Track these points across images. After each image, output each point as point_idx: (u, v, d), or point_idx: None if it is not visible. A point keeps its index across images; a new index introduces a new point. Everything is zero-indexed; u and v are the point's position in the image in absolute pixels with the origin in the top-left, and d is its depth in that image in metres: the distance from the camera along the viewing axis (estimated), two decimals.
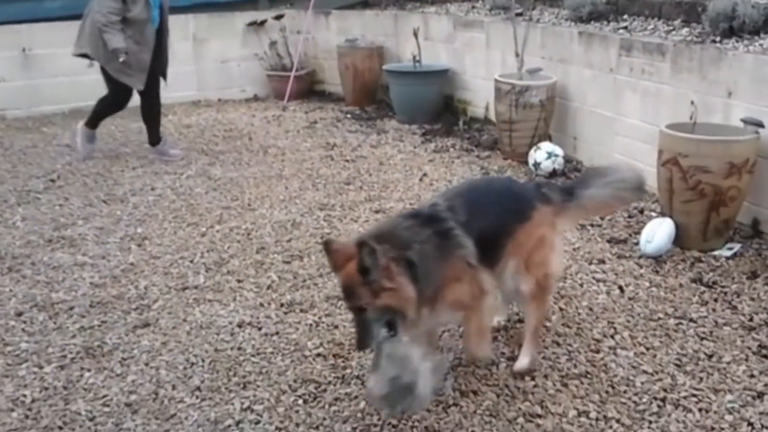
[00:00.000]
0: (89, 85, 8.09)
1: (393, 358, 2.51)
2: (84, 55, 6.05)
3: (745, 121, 4.26)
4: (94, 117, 6.42)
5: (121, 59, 5.79)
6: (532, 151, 5.79)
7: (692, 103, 4.49)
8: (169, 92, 8.41)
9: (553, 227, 3.11)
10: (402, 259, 2.54)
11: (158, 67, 6.18)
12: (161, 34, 6.14)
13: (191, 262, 4.33)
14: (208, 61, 8.80)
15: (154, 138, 6.47)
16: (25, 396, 3.05)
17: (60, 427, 2.85)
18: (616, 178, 3.28)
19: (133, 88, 6.08)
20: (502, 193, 3.13)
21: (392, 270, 2.50)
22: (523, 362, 3.10)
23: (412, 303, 2.57)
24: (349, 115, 7.99)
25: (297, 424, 2.81)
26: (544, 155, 5.69)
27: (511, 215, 2.99)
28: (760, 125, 4.18)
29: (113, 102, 6.30)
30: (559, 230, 3.19)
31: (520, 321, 3.43)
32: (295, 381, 3.10)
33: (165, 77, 6.38)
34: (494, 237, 2.90)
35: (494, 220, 2.93)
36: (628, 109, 5.39)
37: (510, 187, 3.25)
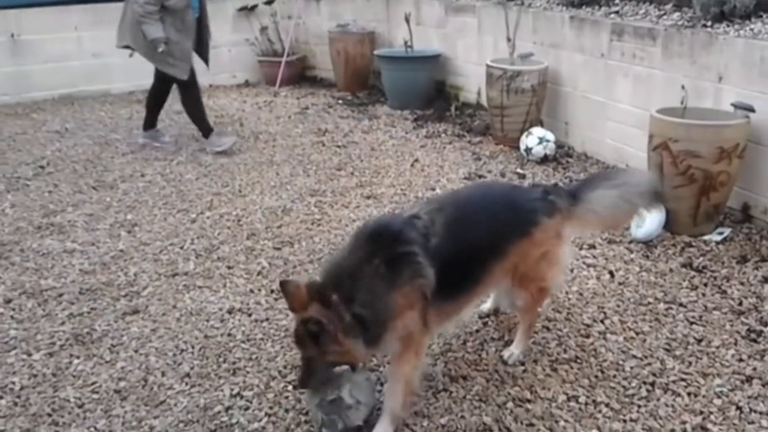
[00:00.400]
0: (79, 71, 8.12)
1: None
2: (126, 47, 5.92)
3: (735, 105, 4.25)
4: (147, 118, 6.29)
5: (160, 49, 5.63)
6: (523, 137, 5.77)
7: (683, 87, 4.48)
8: None
9: (558, 238, 2.88)
10: (351, 317, 2.37)
11: (200, 54, 6.06)
12: (202, 20, 6.01)
13: (181, 248, 4.31)
14: None
15: (206, 128, 6.21)
16: (13, 383, 3.04)
17: (49, 414, 2.85)
18: (625, 180, 3.05)
19: (177, 77, 5.90)
20: (499, 205, 2.84)
21: (339, 338, 2.37)
22: (514, 352, 3.08)
23: (360, 358, 2.50)
24: (340, 101, 7.95)
25: (286, 410, 2.81)
26: (536, 140, 5.67)
27: (506, 231, 2.74)
28: (751, 110, 4.17)
29: (160, 92, 6.15)
30: (566, 239, 2.96)
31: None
32: (284, 367, 3.10)
33: (207, 64, 6.29)
34: (477, 260, 2.66)
35: (480, 241, 2.66)
36: (620, 94, 5.38)
37: (511, 198, 2.91)
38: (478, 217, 2.73)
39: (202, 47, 6.09)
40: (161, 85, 6.10)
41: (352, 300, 2.38)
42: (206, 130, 6.21)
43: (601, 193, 2.93)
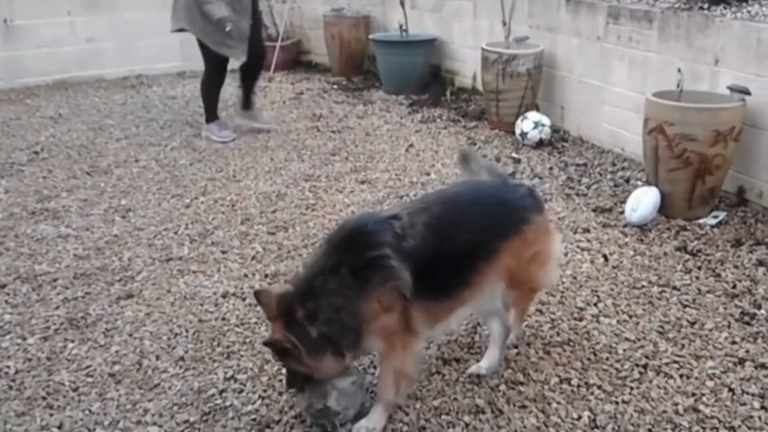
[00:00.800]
0: (72, 57, 8.07)
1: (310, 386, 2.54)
2: (181, 30, 5.84)
3: (731, 88, 4.24)
4: (207, 109, 6.12)
5: (227, 28, 5.52)
6: (518, 121, 5.76)
7: (679, 71, 4.47)
8: (152, 63, 8.43)
9: (548, 234, 2.82)
10: (317, 334, 2.34)
11: (254, 35, 5.93)
12: (255, 0, 5.91)
13: (175, 233, 4.30)
14: None
15: (212, 114, 6.13)
16: (8, 367, 3.04)
17: (44, 398, 2.85)
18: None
19: (236, 59, 5.80)
20: (489, 203, 2.72)
21: (304, 359, 2.35)
22: (511, 338, 2.99)
23: (334, 370, 2.47)
24: (335, 86, 7.91)
25: (280, 393, 2.81)
26: (531, 125, 5.66)
27: (496, 230, 2.64)
28: (747, 93, 4.16)
29: (212, 81, 6.03)
30: (554, 233, 2.92)
31: None
32: None
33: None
34: (465, 260, 2.55)
35: (468, 240, 2.55)
36: (616, 77, 5.36)
37: (500, 195, 2.78)
38: (465, 215, 2.61)
39: (256, 28, 5.96)
40: (216, 69, 5.93)
41: (316, 318, 2.33)
42: (212, 116, 6.14)
43: None
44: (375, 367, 2.88)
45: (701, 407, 2.70)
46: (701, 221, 4.25)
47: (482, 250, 2.59)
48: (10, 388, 2.91)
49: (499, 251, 2.62)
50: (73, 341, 3.22)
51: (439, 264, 2.48)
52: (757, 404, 2.71)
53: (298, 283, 2.45)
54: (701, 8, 4.74)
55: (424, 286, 2.42)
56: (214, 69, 5.93)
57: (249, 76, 6.15)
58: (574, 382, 2.85)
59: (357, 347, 2.46)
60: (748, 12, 4.48)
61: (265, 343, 2.45)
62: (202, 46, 5.82)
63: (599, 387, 2.81)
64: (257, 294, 2.49)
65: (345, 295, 2.35)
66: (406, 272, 2.39)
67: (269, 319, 2.48)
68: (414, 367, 2.61)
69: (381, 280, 2.38)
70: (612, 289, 3.54)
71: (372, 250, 2.39)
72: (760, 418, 2.64)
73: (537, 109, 6.01)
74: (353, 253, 2.40)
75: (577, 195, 4.73)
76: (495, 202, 2.72)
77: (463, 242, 2.53)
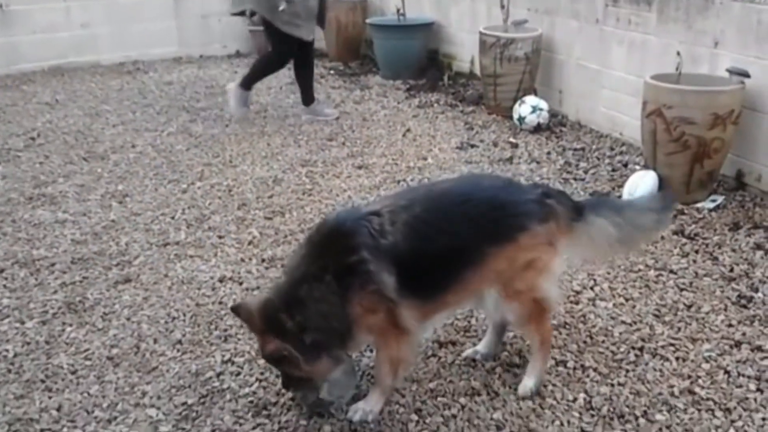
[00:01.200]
0: (68, 42, 8.03)
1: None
2: (241, 13, 5.75)
3: (730, 71, 4.22)
4: (251, 77, 6.00)
5: (281, 7, 5.44)
6: (516, 105, 5.74)
7: (678, 53, 4.45)
8: (149, 48, 8.39)
9: (550, 247, 2.54)
10: (310, 342, 2.34)
11: (318, 14, 5.87)
12: None
13: (172, 218, 4.30)
14: (189, 16, 8.62)
15: (309, 97, 6.09)
16: (7, 350, 3.04)
17: (42, 380, 2.86)
18: (632, 220, 2.68)
19: (303, 39, 5.71)
20: (480, 205, 2.51)
21: (302, 365, 2.37)
22: (527, 384, 2.69)
23: (331, 369, 2.46)
24: (332, 71, 7.88)
25: (277, 375, 2.81)
26: (529, 109, 5.64)
27: (483, 235, 2.46)
28: (746, 75, 4.15)
29: (277, 60, 5.95)
30: (558, 251, 2.59)
31: None
32: None
33: (323, 25, 6.17)
34: (445, 264, 2.43)
35: (448, 244, 2.42)
36: (615, 61, 5.34)
37: (498, 197, 2.56)
38: (449, 217, 2.46)
39: (321, 7, 5.89)
40: (285, 50, 5.83)
41: (306, 328, 2.33)
42: (310, 98, 6.07)
43: (604, 224, 2.62)
44: (371, 351, 2.88)
45: (697, 389, 2.71)
46: (699, 205, 4.25)
47: (466, 254, 2.45)
48: (9, 371, 2.92)
49: (486, 257, 2.46)
50: (71, 325, 3.23)
51: (420, 265, 2.40)
52: (753, 386, 2.72)
53: (281, 292, 2.43)
54: None
55: (408, 285, 2.38)
56: (279, 52, 5.86)
57: (303, 64, 6.04)
58: (570, 364, 2.85)
59: (350, 346, 2.48)
60: None
61: (265, 357, 2.46)
62: (269, 27, 5.74)
63: (595, 369, 2.82)
64: (235, 309, 2.48)
65: (330, 301, 2.34)
66: (386, 274, 2.35)
67: (255, 333, 2.49)
68: (410, 354, 2.59)
69: (361, 284, 2.35)
70: (608, 273, 3.54)
71: (350, 255, 2.35)
72: (755, 399, 2.65)
73: (535, 93, 5.99)
74: (333, 256, 2.37)
75: (575, 179, 4.72)
76: (488, 205, 2.51)
77: (443, 245, 2.42)
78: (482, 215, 2.48)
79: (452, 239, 2.43)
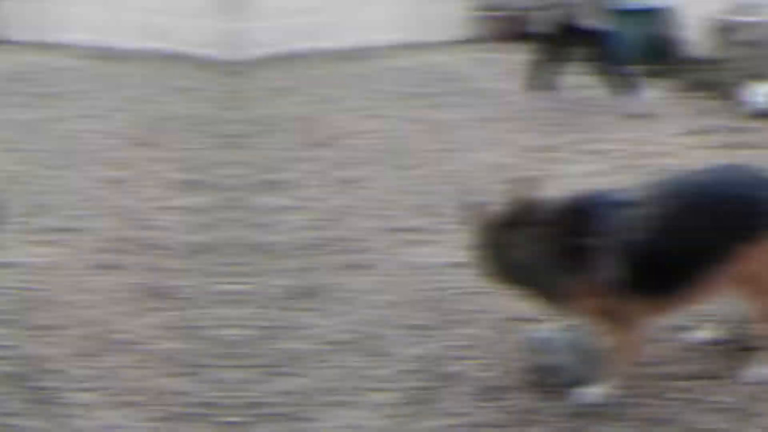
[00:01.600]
0: (299, 29, 8.15)
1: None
2: None
3: None
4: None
5: None
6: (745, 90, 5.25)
7: None
8: (377, 35, 8.29)
9: None
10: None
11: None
12: None
13: (402, 204, 4.27)
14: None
15: (625, 84, 5.99)
16: (245, 335, 3.02)
17: (276, 365, 2.80)
18: None
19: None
20: (733, 203, 2.41)
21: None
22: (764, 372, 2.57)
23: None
24: None
25: (513, 360, 2.65)
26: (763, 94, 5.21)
27: (731, 234, 2.36)
28: None
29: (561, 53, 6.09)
30: None
31: None
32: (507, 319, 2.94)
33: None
34: (690, 262, 2.37)
35: (696, 242, 2.35)
36: None
37: (751, 195, 2.45)
38: (701, 213, 2.38)
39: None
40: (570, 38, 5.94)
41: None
42: (617, 89, 5.92)
43: None
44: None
45: None
46: None
47: (715, 252, 2.37)
48: (247, 355, 2.89)
49: (736, 255, 2.35)
50: (307, 310, 3.21)
51: (662, 260, 2.34)
52: None
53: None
54: None
55: (642, 279, 2.32)
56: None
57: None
58: None
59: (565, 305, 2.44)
60: None
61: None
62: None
63: None
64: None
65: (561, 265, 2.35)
66: (618, 268, 2.30)
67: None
68: (639, 345, 2.51)
69: (592, 271, 2.32)
70: None
71: (590, 239, 2.33)
72: None
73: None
74: (576, 233, 2.35)
75: None
76: (741, 201, 2.42)
77: (692, 242, 2.35)
78: (733, 212, 2.39)
79: (700, 236, 2.35)
